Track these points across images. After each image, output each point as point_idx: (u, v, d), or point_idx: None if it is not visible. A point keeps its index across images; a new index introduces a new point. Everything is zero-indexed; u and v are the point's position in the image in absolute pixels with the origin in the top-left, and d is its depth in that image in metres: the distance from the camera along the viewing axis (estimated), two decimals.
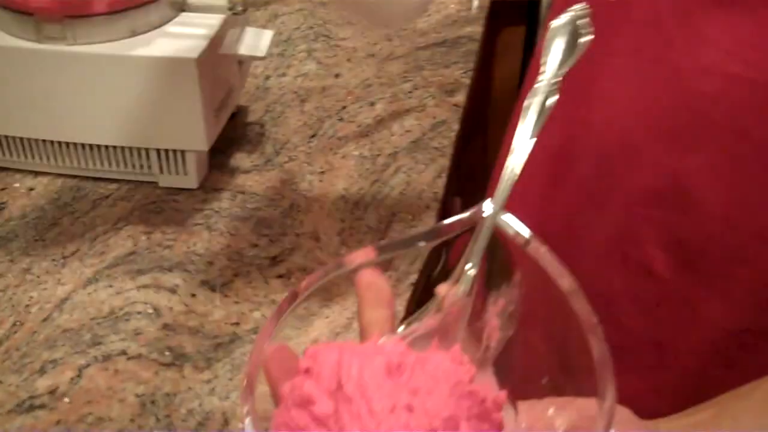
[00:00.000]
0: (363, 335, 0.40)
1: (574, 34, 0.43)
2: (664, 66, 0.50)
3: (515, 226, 0.40)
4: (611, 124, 0.53)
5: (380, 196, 0.76)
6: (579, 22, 0.43)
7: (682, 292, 0.53)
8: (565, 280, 0.38)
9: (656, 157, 0.51)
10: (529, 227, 0.40)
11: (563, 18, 0.43)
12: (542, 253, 0.39)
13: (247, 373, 0.37)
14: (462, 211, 0.45)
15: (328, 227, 0.73)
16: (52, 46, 0.69)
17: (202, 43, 0.70)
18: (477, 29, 1.02)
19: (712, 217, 0.50)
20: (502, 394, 0.36)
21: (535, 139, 0.40)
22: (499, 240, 0.40)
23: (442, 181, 0.78)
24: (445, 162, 0.81)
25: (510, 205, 0.40)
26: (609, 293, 0.55)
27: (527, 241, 0.39)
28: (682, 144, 0.50)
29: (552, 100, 0.41)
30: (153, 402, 0.58)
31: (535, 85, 0.42)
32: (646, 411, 0.40)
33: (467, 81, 0.92)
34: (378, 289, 0.40)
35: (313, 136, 0.83)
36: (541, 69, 0.42)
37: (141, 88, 0.70)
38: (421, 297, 0.65)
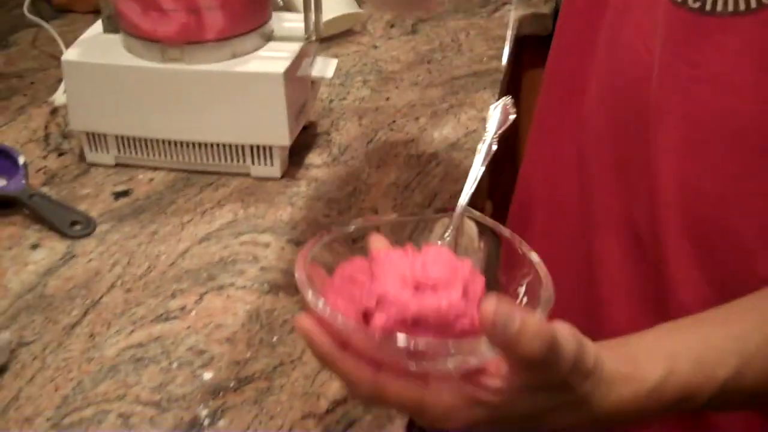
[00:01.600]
0: None
1: (505, 112, 0.69)
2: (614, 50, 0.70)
3: (476, 216, 0.63)
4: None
5: (424, 182, 0.97)
6: (508, 106, 0.70)
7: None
8: (523, 245, 0.59)
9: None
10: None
11: (497, 104, 0.70)
12: (504, 231, 0.61)
13: (298, 268, 0.54)
14: (493, 213, 0.66)
15: (384, 204, 0.93)
16: (173, 66, 0.91)
17: (286, 63, 0.92)
18: (504, 64, 1.23)
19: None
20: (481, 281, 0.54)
21: (484, 167, 0.65)
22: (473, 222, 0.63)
23: None
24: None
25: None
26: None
27: (492, 226, 0.62)
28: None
29: (494, 147, 0.67)
30: (257, 315, 0.78)
31: (484, 136, 0.68)
32: None
33: (494, 101, 1.13)
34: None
35: (369, 142, 1.04)
36: (487, 130, 0.68)
37: (240, 97, 0.92)
38: None
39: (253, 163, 0.95)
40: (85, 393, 0.70)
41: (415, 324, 0.50)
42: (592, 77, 0.73)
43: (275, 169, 0.96)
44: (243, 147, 0.95)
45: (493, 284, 0.57)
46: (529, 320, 0.47)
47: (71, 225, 0.88)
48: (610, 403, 0.53)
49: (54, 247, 0.86)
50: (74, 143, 1.02)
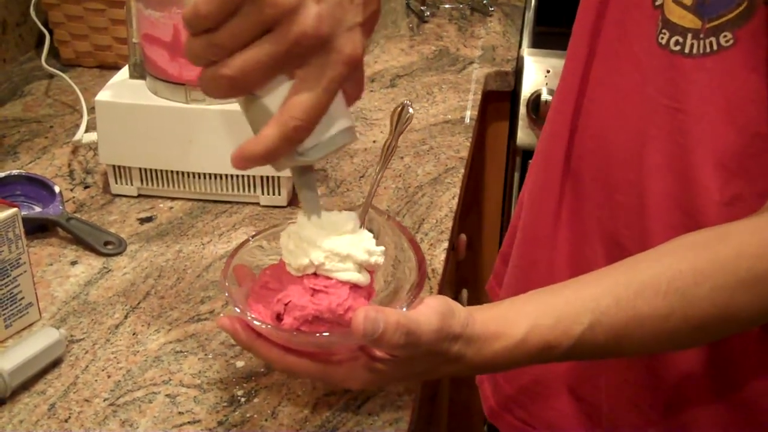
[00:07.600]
0: None
1: (403, 113, 0.77)
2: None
3: (378, 210, 0.80)
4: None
5: (413, 209, 1.10)
6: (408, 107, 0.77)
7: None
8: (406, 232, 0.77)
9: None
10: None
11: (398, 106, 0.77)
12: (397, 221, 0.78)
13: (222, 277, 0.73)
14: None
15: None
16: (196, 106, 1.04)
17: None
18: (474, 113, 1.38)
19: None
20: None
21: (383, 171, 0.78)
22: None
23: (455, 201, 1.12)
24: (456, 191, 1.15)
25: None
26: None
27: (389, 216, 0.79)
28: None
29: (394, 147, 0.77)
30: None
31: (384, 142, 0.77)
32: None
33: (468, 143, 1.27)
34: None
35: (361, 176, 1.17)
36: (390, 132, 0.77)
37: (251, 133, 1.04)
38: None
39: (262, 192, 1.08)
40: (135, 378, 0.81)
41: (315, 319, 0.68)
42: (586, 105, 0.82)
43: (282, 198, 1.08)
44: (254, 178, 1.07)
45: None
46: (391, 318, 0.62)
47: (105, 244, 0.99)
48: (484, 356, 0.66)
49: (91, 263, 0.97)
50: (97, 178, 1.14)
